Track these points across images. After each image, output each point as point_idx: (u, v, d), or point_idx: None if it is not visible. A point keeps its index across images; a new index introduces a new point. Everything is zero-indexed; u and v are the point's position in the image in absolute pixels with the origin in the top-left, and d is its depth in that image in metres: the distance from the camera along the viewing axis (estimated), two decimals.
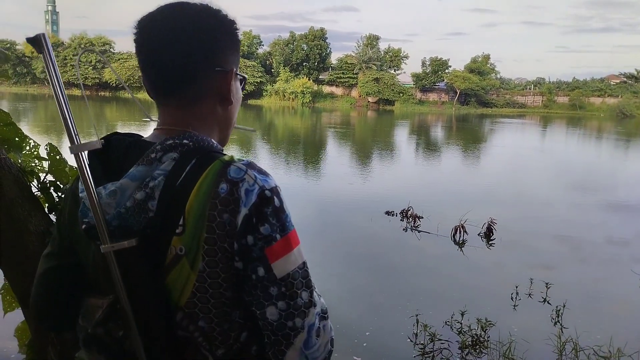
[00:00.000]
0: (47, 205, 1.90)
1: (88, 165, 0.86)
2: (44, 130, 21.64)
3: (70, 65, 61.52)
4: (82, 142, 0.84)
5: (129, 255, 0.83)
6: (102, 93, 62.10)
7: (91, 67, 61.65)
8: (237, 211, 0.82)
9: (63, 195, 1.06)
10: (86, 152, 0.86)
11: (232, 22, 0.95)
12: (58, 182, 1.91)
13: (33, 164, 1.90)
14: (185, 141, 0.87)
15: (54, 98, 0.84)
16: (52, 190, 1.90)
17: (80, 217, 0.89)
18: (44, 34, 0.80)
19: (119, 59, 62.45)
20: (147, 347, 0.86)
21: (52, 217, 1.90)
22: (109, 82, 61.08)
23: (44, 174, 1.90)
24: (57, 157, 1.87)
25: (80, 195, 0.89)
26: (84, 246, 0.94)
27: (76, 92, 61.87)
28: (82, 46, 62.18)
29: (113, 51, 64.77)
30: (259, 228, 0.83)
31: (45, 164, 1.91)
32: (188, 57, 0.90)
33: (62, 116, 0.81)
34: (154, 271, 0.84)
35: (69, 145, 0.83)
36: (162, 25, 0.90)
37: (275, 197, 0.85)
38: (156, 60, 0.90)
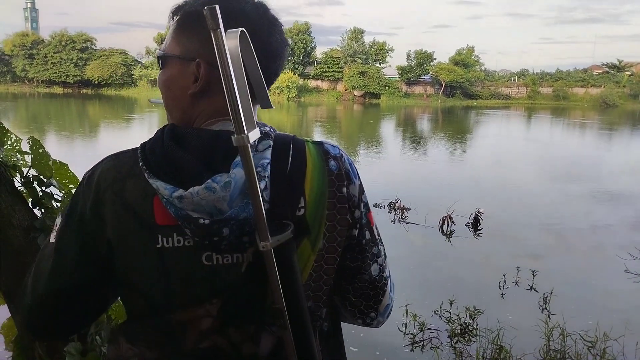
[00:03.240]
0: (30, 199, 1.87)
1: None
2: (28, 131, 21.33)
3: (52, 63, 60.59)
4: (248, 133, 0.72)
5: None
6: (84, 90, 61.18)
7: (73, 65, 60.76)
8: (351, 183, 0.90)
9: (74, 200, 0.81)
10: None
11: None
12: (41, 177, 1.88)
13: (15, 159, 1.86)
14: (267, 128, 0.87)
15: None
16: (35, 185, 1.87)
17: (180, 218, 0.78)
18: (216, 7, 0.68)
19: (100, 56, 61.65)
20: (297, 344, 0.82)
21: (37, 211, 1.87)
22: (91, 79, 60.22)
23: (27, 169, 1.87)
24: (40, 150, 1.84)
25: (170, 195, 0.77)
26: (142, 255, 0.84)
27: (58, 89, 61.07)
28: (63, 44, 61.02)
29: (94, 48, 63.83)
30: (362, 196, 0.92)
31: (28, 159, 1.88)
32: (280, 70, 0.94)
33: (228, 101, 0.71)
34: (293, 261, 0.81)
35: (234, 136, 0.71)
36: (274, 38, 0.89)
37: None
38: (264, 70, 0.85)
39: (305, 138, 0.92)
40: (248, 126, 0.71)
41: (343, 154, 0.92)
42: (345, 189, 0.88)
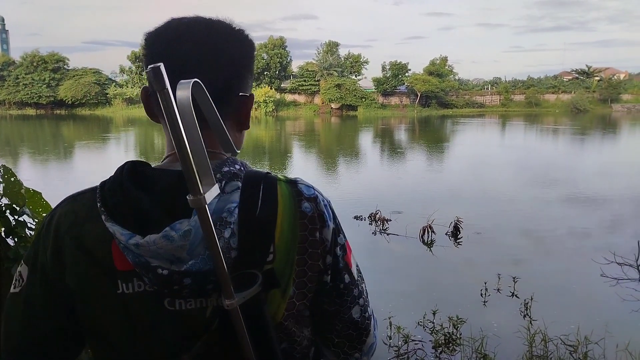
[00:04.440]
0: (3, 229, 1.83)
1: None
2: (2, 154, 20.87)
3: (23, 84, 59.61)
4: (205, 192, 0.65)
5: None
6: (58, 111, 60.16)
7: (45, 85, 59.80)
8: (325, 226, 0.85)
9: (38, 240, 0.75)
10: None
11: (253, 43, 0.90)
12: (14, 205, 1.84)
13: None
14: (237, 167, 0.82)
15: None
16: (7, 214, 1.83)
17: (138, 265, 0.75)
18: (160, 66, 0.60)
19: (74, 76, 60.85)
20: None
21: (10, 241, 1.83)
22: (64, 100, 59.33)
23: None
24: (12, 179, 1.81)
25: (127, 241, 0.73)
26: (104, 303, 0.80)
27: (30, 111, 60.03)
28: (35, 64, 60.10)
29: (67, 68, 62.96)
30: (337, 239, 0.88)
31: (0, 187, 1.84)
32: (219, 86, 0.83)
33: (181, 161, 0.63)
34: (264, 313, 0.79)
35: (190, 197, 0.64)
36: (194, 49, 0.81)
37: None
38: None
39: (279, 176, 0.87)
40: (205, 183, 0.66)
41: (318, 194, 0.87)
42: (317, 233, 0.84)
